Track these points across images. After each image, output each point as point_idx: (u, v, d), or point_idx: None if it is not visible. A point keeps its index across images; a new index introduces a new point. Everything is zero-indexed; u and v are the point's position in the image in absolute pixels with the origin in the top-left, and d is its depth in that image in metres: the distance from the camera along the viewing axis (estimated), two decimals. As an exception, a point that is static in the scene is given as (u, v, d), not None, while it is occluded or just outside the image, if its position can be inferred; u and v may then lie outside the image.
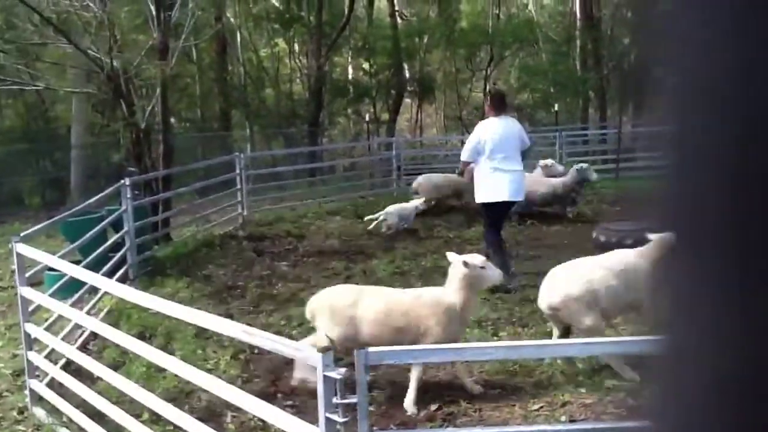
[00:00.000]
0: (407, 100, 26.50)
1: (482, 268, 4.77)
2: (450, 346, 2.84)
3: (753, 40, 0.52)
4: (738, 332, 0.54)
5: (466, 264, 4.72)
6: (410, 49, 23.91)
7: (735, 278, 0.54)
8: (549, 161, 11.55)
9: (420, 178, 11.49)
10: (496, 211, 7.26)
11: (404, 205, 10.01)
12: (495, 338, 5.64)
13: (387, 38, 23.06)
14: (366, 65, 25.20)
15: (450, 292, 4.75)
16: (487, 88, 22.77)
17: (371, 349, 2.78)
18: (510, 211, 7.78)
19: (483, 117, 7.94)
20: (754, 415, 0.54)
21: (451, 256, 4.94)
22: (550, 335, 5.68)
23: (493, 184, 7.09)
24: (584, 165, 10.67)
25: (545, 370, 4.98)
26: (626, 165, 14.24)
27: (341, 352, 4.48)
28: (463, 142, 21.09)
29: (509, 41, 23.84)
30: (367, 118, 21.88)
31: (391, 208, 9.84)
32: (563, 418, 4.29)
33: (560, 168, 11.04)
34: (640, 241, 8.08)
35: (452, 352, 2.82)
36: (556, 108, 18.16)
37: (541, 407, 4.49)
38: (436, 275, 7.58)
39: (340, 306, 4.72)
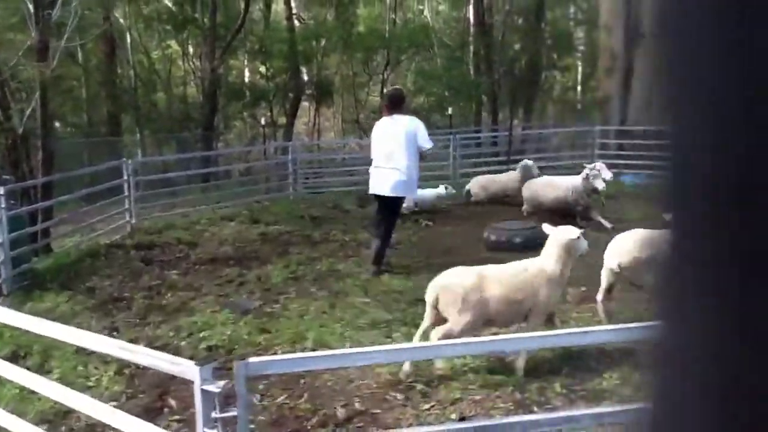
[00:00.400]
0: (305, 104, 26.34)
1: (578, 239, 5.19)
2: (336, 353, 2.80)
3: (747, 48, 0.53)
4: (729, 331, 0.55)
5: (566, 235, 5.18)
6: (307, 53, 23.77)
7: (728, 278, 0.55)
8: (598, 165, 9.64)
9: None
10: (378, 204, 7.79)
11: (425, 191, 11.25)
12: (389, 340, 5.65)
13: (284, 41, 22.81)
14: (263, 68, 24.84)
15: (550, 262, 5.10)
16: (384, 91, 22.97)
17: (252, 359, 2.69)
18: (398, 207, 7.96)
19: None
20: (742, 415, 0.55)
21: (546, 227, 5.40)
22: (442, 335, 5.77)
23: (372, 178, 7.68)
24: (595, 167, 9.49)
25: (438, 368, 5.04)
26: (517, 166, 14.67)
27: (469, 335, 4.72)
28: (360, 146, 21.14)
29: (405, 46, 24.14)
30: (263, 122, 21.53)
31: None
32: (453, 416, 4.35)
33: (608, 175, 9.45)
34: (528, 240, 8.38)
35: (338, 358, 2.78)
36: (450, 111, 18.55)
37: (432, 406, 4.54)
38: (330, 279, 7.55)
39: (467, 291, 4.88)
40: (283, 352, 5.45)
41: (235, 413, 2.63)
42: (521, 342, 4.28)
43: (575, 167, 14.61)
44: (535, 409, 4.37)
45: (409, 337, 5.68)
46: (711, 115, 0.55)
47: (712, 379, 0.56)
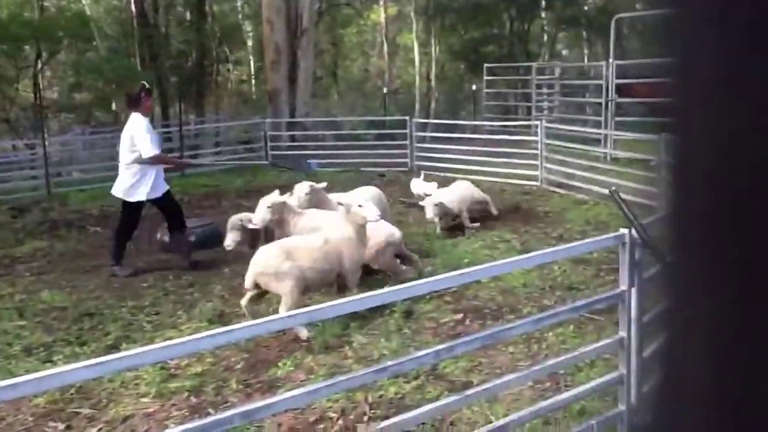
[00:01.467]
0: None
1: (360, 206, 5.86)
2: None
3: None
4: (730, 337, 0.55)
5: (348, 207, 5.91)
6: (-65, 42, 20.20)
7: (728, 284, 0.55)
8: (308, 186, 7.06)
9: None
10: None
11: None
12: (48, 365, 5.08)
13: None
14: None
15: (348, 230, 5.80)
16: (40, 86, 20.63)
17: None
18: (131, 210, 7.48)
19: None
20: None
21: (335, 201, 6.40)
22: (112, 349, 5.37)
23: None
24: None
25: (105, 387, 4.68)
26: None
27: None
28: (14, 147, 18.72)
29: (60, 36, 21.89)
30: None
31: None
32: (123, 436, 4.08)
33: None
34: (203, 237, 8.24)
35: None
36: (114, 107, 17.36)
37: (100, 430, 4.20)
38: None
39: (278, 265, 5.43)
40: None
41: None
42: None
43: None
44: (211, 411, 4.30)
45: (74, 358, 5.18)
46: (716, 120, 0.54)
47: (715, 384, 0.56)
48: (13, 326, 5.94)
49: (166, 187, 7.53)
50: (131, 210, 7.44)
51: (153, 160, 7.23)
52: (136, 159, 7.22)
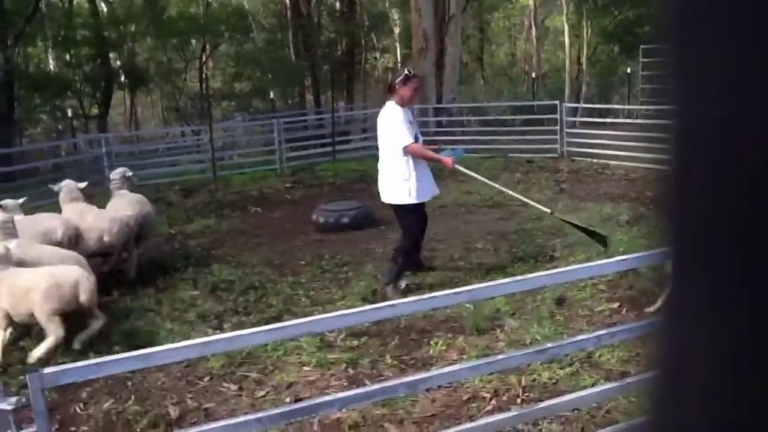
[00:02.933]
0: (121, 93, 24.82)
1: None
2: (129, 355, 2.64)
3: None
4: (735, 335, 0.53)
5: None
6: (116, 38, 22.34)
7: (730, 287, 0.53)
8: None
9: None
10: None
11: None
12: (218, 332, 5.53)
13: (88, 27, 21.24)
14: (67, 56, 23.00)
15: None
16: (204, 76, 22.20)
17: (47, 370, 2.47)
18: (403, 216, 6.28)
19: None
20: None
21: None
22: (274, 319, 5.74)
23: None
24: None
25: (270, 355, 5.02)
26: (342, 147, 14.90)
27: None
28: (183, 134, 20.19)
29: (221, 29, 23.46)
30: (70, 114, 19.99)
31: None
32: (288, 400, 4.37)
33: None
34: (355, 219, 8.56)
35: (134, 360, 2.62)
36: (272, 95, 18.33)
37: (267, 393, 4.52)
38: (156, 273, 7.23)
39: None
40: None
41: (33, 430, 2.41)
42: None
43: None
44: (367, 382, 4.50)
45: (240, 326, 5.59)
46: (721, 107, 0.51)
47: (716, 383, 0.54)
48: (188, 296, 6.51)
49: (429, 196, 6.32)
50: (402, 215, 6.23)
51: (410, 153, 5.97)
52: (395, 153, 6.04)
